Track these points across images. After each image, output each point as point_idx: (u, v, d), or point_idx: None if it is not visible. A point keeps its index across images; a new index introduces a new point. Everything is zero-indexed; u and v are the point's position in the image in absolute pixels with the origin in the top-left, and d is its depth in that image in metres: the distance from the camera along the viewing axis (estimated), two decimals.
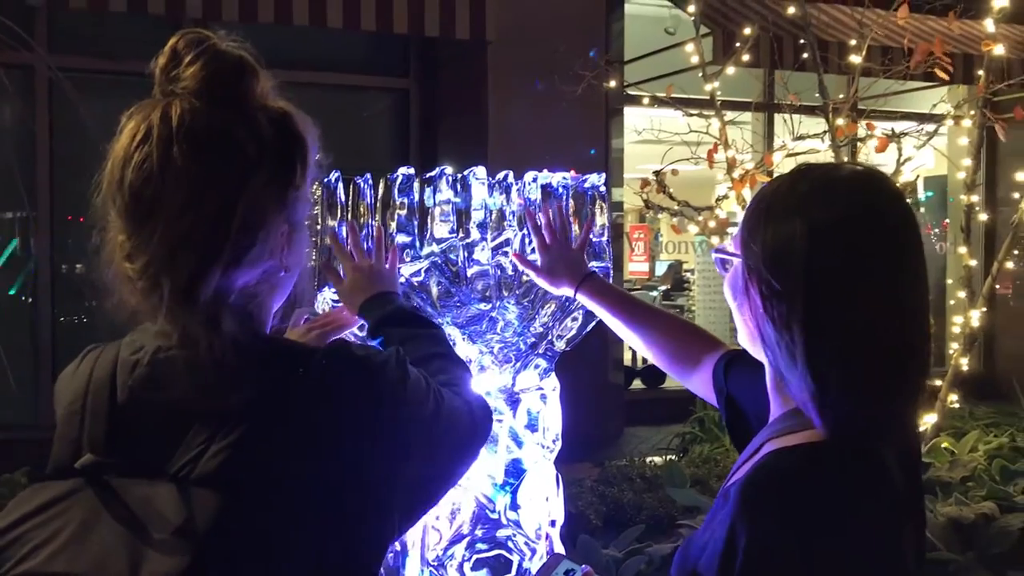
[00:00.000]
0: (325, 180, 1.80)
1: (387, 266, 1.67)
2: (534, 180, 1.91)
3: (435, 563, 1.84)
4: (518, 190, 1.89)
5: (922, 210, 9.50)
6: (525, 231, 1.88)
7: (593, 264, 1.95)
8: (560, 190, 1.92)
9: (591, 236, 1.93)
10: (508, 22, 6.48)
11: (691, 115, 4.43)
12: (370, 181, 1.82)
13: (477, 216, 1.85)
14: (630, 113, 7.44)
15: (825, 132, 3.88)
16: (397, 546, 1.85)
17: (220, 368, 1.09)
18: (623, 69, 7.29)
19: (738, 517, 1.12)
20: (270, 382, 1.10)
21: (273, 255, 1.15)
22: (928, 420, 4.07)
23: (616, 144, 7.46)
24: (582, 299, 1.80)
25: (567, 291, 1.81)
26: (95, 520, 1.02)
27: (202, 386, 1.09)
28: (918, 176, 4.98)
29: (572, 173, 1.99)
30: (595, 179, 1.97)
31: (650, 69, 7.36)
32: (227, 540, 1.00)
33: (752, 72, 6.14)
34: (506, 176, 1.88)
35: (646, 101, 5.08)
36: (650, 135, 6.23)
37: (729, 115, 5.35)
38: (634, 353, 10.06)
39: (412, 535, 1.83)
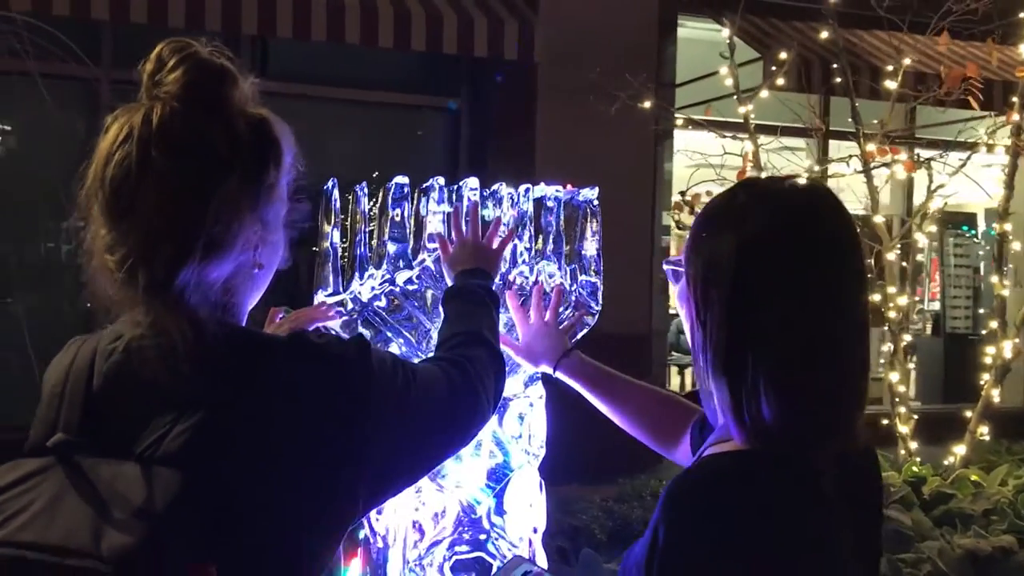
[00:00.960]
0: (324, 187, 1.88)
1: (494, 247, 1.77)
2: (526, 192, 1.95)
3: (415, 562, 1.89)
4: (512, 202, 1.95)
5: (980, 240, 9.31)
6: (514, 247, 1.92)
7: (582, 279, 1.99)
8: (551, 203, 1.97)
9: (582, 251, 1.98)
10: (560, 43, 6.56)
11: (724, 137, 4.45)
12: (366, 189, 1.89)
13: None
14: (683, 136, 7.44)
15: (851, 156, 3.87)
16: (380, 543, 1.90)
17: (188, 355, 1.14)
18: (674, 92, 7.31)
19: (661, 515, 1.15)
20: (232, 369, 1.16)
21: (246, 251, 1.21)
22: (957, 451, 4.00)
23: (666, 167, 7.47)
24: (561, 376, 1.83)
25: (546, 369, 1.84)
26: (63, 496, 1.08)
27: (170, 372, 1.14)
28: (939, 206, 4.82)
29: (568, 187, 2.04)
30: (588, 193, 2.01)
31: (705, 92, 7.36)
32: (183, 518, 1.05)
33: (807, 97, 6.11)
34: (498, 188, 1.94)
35: (679, 122, 5.11)
36: (699, 158, 6.25)
37: (783, 140, 5.36)
38: (682, 376, 10.00)
39: (395, 533, 1.89)
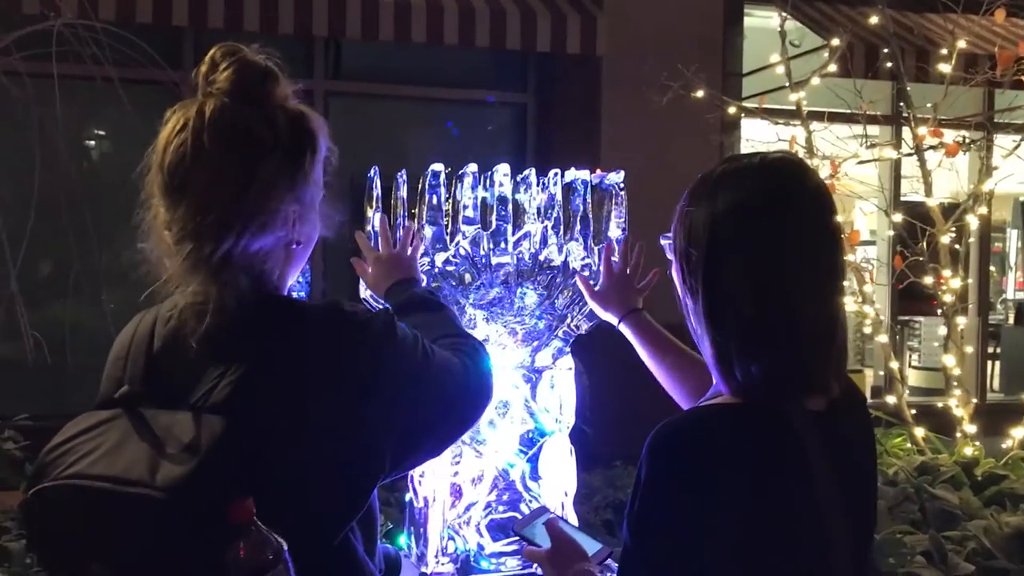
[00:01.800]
0: (367, 175, 2.04)
1: (408, 253, 1.85)
2: (554, 176, 2.08)
3: (454, 520, 2.04)
4: (541, 186, 2.08)
5: None
6: (556, 226, 2.04)
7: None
8: (580, 187, 2.10)
9: (607, 232, 2.10)
10: (624, 35, 6.62)
11: (777, 124, 4.49)
12: (404, 177, 2.04)
13: (501, 210, 2.04)
14: (752, 126, 7.39)
15: (898, 140, 3.88)
16: (420, 502, 2.05)
17: (232, 319, 1.32)
18: (741, 82, 7.31)
19: (644, 455, 1.27)
20: (271, 331, 1.33)
21: (284, 228, 1.37)
22: (1015, 434, 3.99)
23: None
24: (623, 330, 1.91)
25: (612, 319, 1.93)
26: (127, 438, 1.26)
27: (217, 334, 1.32)
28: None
29: (599, 171, 2.16)
30: (614, 177, 2.13)
31: (774, 81, 7.31)
32: (225, 458, 1.21)
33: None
34: (528, 174, 2.07)
35: (731, 110, 5.15)
36: (764, 148, 6.23)
37: (852, 128, 5.34)
38: None
39: (437, 494, 2.03)
